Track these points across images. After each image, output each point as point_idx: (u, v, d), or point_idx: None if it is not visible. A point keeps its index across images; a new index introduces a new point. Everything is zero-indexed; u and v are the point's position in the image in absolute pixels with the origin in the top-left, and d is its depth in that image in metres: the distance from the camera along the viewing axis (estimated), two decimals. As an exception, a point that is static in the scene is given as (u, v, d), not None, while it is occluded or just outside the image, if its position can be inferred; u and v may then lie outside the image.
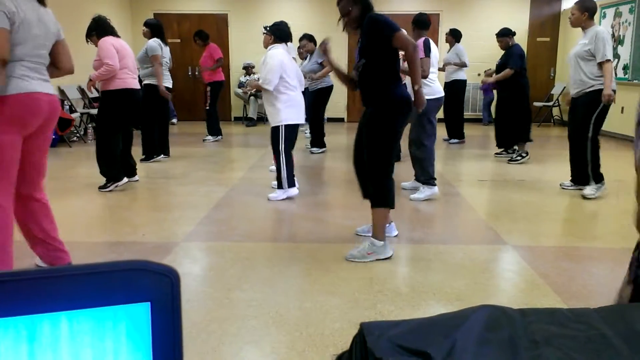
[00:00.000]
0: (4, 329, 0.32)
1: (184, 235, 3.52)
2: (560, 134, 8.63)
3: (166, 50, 6.04)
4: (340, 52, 10.13)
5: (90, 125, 8.18)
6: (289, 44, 4.57)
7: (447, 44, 7.92)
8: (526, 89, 6.30)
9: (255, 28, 9.83)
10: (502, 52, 6.41)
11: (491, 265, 3.08)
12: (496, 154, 6.73)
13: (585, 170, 4.57)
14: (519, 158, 6.27)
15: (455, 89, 7.62)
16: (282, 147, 4.33)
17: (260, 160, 6.30)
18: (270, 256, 3.15)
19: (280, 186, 4.43)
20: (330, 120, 10.11)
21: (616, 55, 8.30)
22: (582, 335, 0.45)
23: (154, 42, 5.88)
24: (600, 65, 4.34)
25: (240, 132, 9.26)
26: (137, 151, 5.48)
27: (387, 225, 3.45)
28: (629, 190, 4.51)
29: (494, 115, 8.27)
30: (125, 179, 4.83)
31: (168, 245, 3.32)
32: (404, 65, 3.69)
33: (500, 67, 6.35)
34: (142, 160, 6.03)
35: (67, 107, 7.78)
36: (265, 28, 4.70)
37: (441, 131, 8.18)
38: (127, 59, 4.77)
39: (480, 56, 10.08)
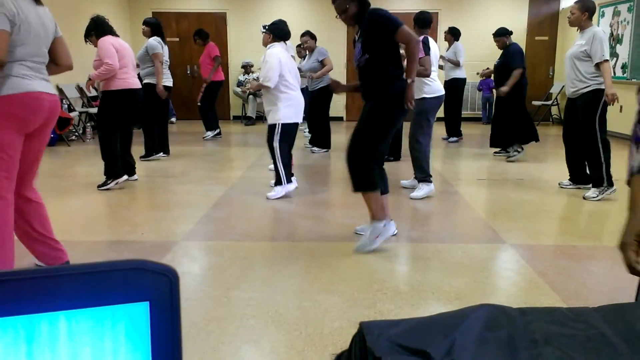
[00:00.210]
0: (2, 329, 0.32)
1: (183, 234, 3.52)
2: (559, 132, 8.61)
3: (165, 49, 6.04)
4: (338, 50, 10.13)
5: (89, 124, 8.17)
6: (287, 42, 4.57)
7: (446, 43, 7.92)
8: (525, 89, 6.30)
9: (254, 27, 9.82)
10: (500, 52, 6.42)
11: (490, 264, 3.08)
12: (495, 152, 6.73)
13: (599, 172, 4.47)
14: (515, 154, 6.31)
15: (454, 87, 7.63)
16: (276, 144, 4.35)
17: (259, 159, 6.30)
18: (269, 255, 3.15)
19: (279, 182, 4.45)
20: (330, 119, 10.10)
21: (615, 55, 8.31)
22: (582, 335, 0.45)
23: (155, 40, 5.88)
24: (598, 65, 4.34)
25: (239, 131, 9.25)
26: (136, 150, 5.47)
27: (387, 222, 3.43)
28: (627, 189, 4.51)
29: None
30: (125, 176, 4.85)
31: (167, 244, 3.32)
32: (404, 62, 3.69)
33: (499, 67, 6.35)
34: (141, 157, 6.06)
35: (66, 106, 7.77)
36: (264, 27, 4.70)
37: (441, 130, 8.22)
38: (126, 58, 4.77)
39: (479, 55, 10.08)
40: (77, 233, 3.54)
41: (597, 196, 4.47)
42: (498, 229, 3.67)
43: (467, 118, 10.23)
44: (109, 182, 4.73)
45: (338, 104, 10.43)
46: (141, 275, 0.35)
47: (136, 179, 5.10)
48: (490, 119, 8.61)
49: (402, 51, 3.24)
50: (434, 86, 4.58)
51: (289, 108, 4.35)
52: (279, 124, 4.33)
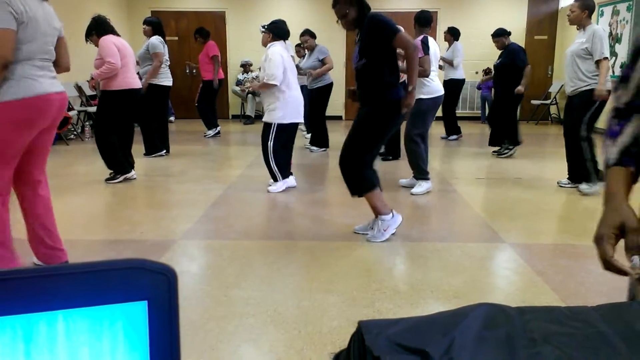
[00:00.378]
0: (0, 328, 0.32)
1: (182, 233, 3.52)
2: (558, 132, 8.63)
3: (166, 49, 6.05)
4: (338, 49, 10.13)
5: (87, 123, 8.17)
6: (286, 41, 4.57)
7: (446, 42, 7.92)
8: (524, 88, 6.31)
9: (253, 26, 9.82)
10: (499, 52, 6.43)
11: (489, 263, 3.08)
12: (494, 151, 6.74)
13: (585, 168, 4.60)
14: (506, 151, 6.35)
15: (452, 87, 7.63)
16: (270, 143, 4.36)
17: (258, 158, 6.29)
18: (268, 254, 3.15)
19: (275, 180, 4.48)
20: (328, 118, 10.08)
21: (614, 54, 8.31)
22: (580, 334, 0.45)
23: (156, 39, 5.89)
24: (598, 63, 4.37)
25: (238, 130, 9.25)
26: (137, 149, 5.47)
27: (392, 215, 3.41)
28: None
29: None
30: (133, 172, 4.97)
31: (166, 243, 3.32)
32: (403, 65, 3.70)
33: (499, 67, 6.36)
34: (145, 154, 6.12)
35: (65, 105, 7.75)
36: (262, 27, 4.70)
37: (439, 129, 8.23)
38: (127, 57, 4.78)
39: (478, 54, 10.09)
40: (76, 232, 3.54)
41: (591, 188, 4.56)
42: (497, 228, 3.67)
43: (466, 117, 10.24)
44: (118, 176, 4.87)
45: (337, 103, 10.42)
46: (139, 274, 0.35)
47: (135, 178, 5.10)
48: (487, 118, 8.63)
49: (399, 50, 3.24)
50: (432, 87, 4.57)
51: (288, 108, 4.35)
52: (274, 124, 4.33)
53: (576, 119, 4.53)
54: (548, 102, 10.17)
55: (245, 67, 10.27)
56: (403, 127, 4.72)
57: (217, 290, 2.62)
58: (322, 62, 6.66)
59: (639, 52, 0.99)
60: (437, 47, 4.94)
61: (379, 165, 4.77)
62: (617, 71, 8.28)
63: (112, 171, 4.93)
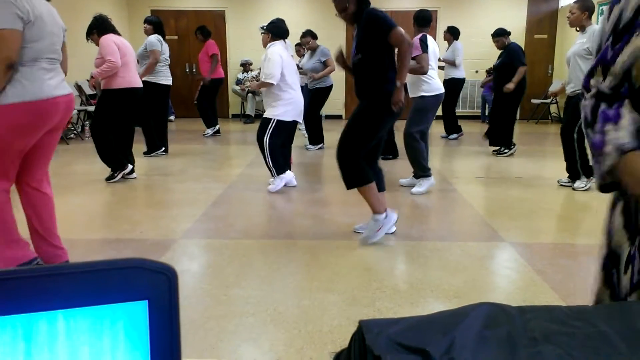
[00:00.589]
0: (1, 328, 0.32)
1: (182, 232, 3.52)
2: (558, 131, 8.63)
3: (166, 48, 6.06)
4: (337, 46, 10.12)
5: (87, 122, 8.17)
6: (287, 41, 4.57)
7: (445, 42, 7.91)
8: (525, 88, 6.31)
9: (252, 25, 9.81)
10: (499, 52, 6.43)
11: (489, 262, 3.08)
12: (494, 151, 6.74)
13: (575, 167, 4.71)
14: (506, 151, 6.36)
15: (452, 86, 7.63)
16: (266, 138, 4.36)
17: (258, 157, 6.28)
18: (269, 253, 3.15)
19: (271, 175, 4.49)
20: (328, 117, 10.11)
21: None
22: (581, 333, 0.45)
23: (154, 37, 5.90)
24: None
25: (238, 129, 9.25)
26: (137, 148, 5.47)
27: (388, 213, 3.42)
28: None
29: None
30: (130, 166, 4.97)
31: (166, 243, 3.32)
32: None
33: (499, 67, 6.36)
34: (145, 153, 6.13)
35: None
36: (262, 28, 4.70)
37: (439, 128, 8.23)
38: (128, 56, 4.78)
39: (478, 53, 10.09)
40: (76, 231, 3.54)
41: (585, 186, 4.65)
42: (497, 227, 3.67)
43: (466, 116, 10.24)
44: (115, 174, 4.85)
45: (337, 102, 10.42)
46: (140, 273, 0.35)
47: (135, 177, 5.11)
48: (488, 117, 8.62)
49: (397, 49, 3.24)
50: (433, 84, 4.57)
51: (288, 107, 4.36)
52: (274, 120, 4.33)
53: (570, 120, 4.59)
54: (548, 101, 10.17)
55: (245, 66, 10.26)
56: (401, 126, 4.73)
57: (218, 290, 2.62)
58: (324, 63, 6.65)
59: (624, 32, 0.91)
60: (436, 46, 4.94)
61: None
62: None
63: (110, 169, 4.93)
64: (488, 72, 9.56)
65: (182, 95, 10.47)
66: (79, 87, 8.14)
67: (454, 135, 7.97)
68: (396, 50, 3.14)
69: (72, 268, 0.34)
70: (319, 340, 2.14)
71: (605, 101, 0.93)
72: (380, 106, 3.10)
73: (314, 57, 6.74)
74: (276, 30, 4.45)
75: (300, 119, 4.53)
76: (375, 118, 3.13)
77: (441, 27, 9.19)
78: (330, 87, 6.82)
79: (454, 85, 7.64)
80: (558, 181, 4.96)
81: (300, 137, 7.18)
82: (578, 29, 4.55)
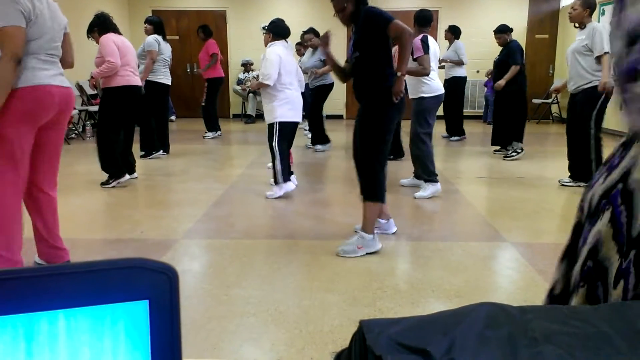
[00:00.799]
0: (2, 327, 0.32)
1: (183, 232, 3.52)
2: (559, 130, 8.63)
3: (167, 48, 6.06)
4: (338, 46, 10.12)
5: (88, 122, 8.18)
6: (288, 41, 4.56)
7: (447, 41, 7.91)
8: (524, 86, 6.30)
9: (253, 25, 9.82)
10: (500, 49, 6.41)
11: (490, 262, 3.08)
12: (495, 151, 6.74)
13: (589, 168, 4.58)
14: (514, 154, 6.30)
15: (454, 86, 7.62)
16: (275, 143, 4.34)
17: (259, 157, 6.30)
18: (270, 253, 3.15)
19: (275, 182, 4.46)
20: (329, 117, 10.11)
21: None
22: (582, 333, 0.44)
23: (152, 38, 5.91)
24: (599, 59, 4.38)
25: (239, 129, 9.25)
26: (137, 148, 5.48)
27: (386, 221, 3.45)
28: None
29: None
30: (127, 176, 4.87)
31: (167, 243, 3.32)
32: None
33: (499, 64, 6.35)
34: (142, 156, 6.07)
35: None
36: (263, 28, 4.70)
37: (441, 128, 8.22)
38: (128, 56, 4.78)
39: (479, 53, 10.08)
40: (77, 231, 3.54)
41: None
42: (498, 227, 3.67)
43: (469, 116, 10.23)
44: (111, 181, 4.76)
45: (337, 102, 10.43)
46: (141, 273, 0.35)
47: (136, 177, 5.11)
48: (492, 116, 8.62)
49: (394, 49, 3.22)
50: (432, 85, 4.56)
51: (285, 106, 4.33)
52: (276, 123, 4.32)
53: (581, 118, 4.53)
54: (549, 101, 10.16)
55: (246, 66, 10.27)
56: (407, 128, 4.72)
57: (218, 290, 2.62)
58: (325, 62, 6.66)
59: None
60: (436, 46, 4.93)
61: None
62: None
63: (107, 175, 4.87)
64: (488, 74, 9.56)
65: (183, 95, 10.48)
66: (80, 87, 8.15)
67: (456, 138, 7.95)
68: (395, 49, 3.13)
69: (73, 268, 0.34)
70: (320, 340, 2.14)
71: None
72: (382, 102, 3.07)
73: (315, 56, 6.75)
74: (277, 30, 4.45)
75: (299, 119, 4.51)
76: (380, 115, 3.08)
77: (442, 27, 9.19)
78: (331, 85, 6.82)
79: (456, 85, 7.63)
80: (559, 181, 4.96)
81: (301, 137, 7.18)
82: (577, 25, 4.56)
